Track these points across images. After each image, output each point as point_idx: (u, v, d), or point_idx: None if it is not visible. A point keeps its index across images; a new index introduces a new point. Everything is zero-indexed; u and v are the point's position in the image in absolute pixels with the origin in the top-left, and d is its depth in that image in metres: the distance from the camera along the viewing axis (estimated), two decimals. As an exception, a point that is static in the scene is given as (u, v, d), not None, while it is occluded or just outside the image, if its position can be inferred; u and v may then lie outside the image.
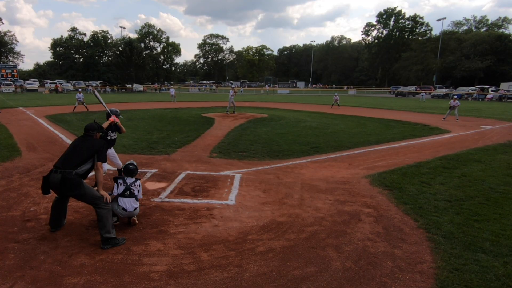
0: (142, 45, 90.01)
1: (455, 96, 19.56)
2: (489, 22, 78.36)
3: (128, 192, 4.41)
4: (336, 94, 28.47)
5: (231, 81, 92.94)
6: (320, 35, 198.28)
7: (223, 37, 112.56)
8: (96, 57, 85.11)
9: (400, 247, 3.93)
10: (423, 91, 48.07)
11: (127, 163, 4.73)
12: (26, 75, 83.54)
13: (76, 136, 11.47)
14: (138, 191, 4.53)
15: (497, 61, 63.61)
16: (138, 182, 4.56)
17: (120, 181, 4.45)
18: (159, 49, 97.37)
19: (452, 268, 3.44)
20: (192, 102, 32.62)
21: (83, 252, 3.74)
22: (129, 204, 4.36)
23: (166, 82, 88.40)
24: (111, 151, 6.02)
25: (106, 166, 5.33)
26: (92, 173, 4.30)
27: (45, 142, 10.52)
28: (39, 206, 5.07)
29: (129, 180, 4.52)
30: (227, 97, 21.07)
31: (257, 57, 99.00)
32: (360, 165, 7.87)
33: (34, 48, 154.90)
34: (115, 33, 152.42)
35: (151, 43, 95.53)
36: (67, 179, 3.79)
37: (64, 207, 4.34)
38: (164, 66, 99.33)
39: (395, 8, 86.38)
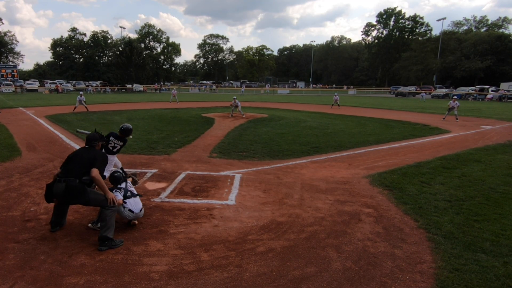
0: (142, 45, 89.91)
1: (455, 97, 19.51)
2: (489, 22, 78.30)
3: (129, 192, 4.46)
4: (336, 94, 28.46)
5: (231, 81, 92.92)
6: (320, 35, 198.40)
7: (223, 37, 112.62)
8: (96, 57, 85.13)
9: (400, 247, 3.93)
10: (423, 91, 48.13)
11: (112, 171, 4.76)
12: (26, 75, 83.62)
13: (75, 136, 11.49)
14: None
15: (497, 61, 63.53)
16: (126, 183, 4.58)
17: (116, 191, 4.40)
18: (159, 49, 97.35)
19: (452, 268, 3.44)
20: (192, 102, 32.63)
21: (83, 252, 3.74)
22: (134, 204, 4.37)
23: (166, 82, 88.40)
24: (112, 157, 5.94)
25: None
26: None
27: (45, 142, 10.52)
28: (39, 206, 5.07)
29: (122, 186, 4.52)
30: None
31: (257, 57, 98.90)
32: (360, 165, 7.87)
33: (34, 48, 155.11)
34: (115, 33, 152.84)
35: (151, 43, 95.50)
36: (71, 187, 3.86)
37: (66, 208, 4.37)
38: (164, 66, 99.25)
39: (395, 8, 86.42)
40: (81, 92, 23.10)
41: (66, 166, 4.07)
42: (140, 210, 4.44)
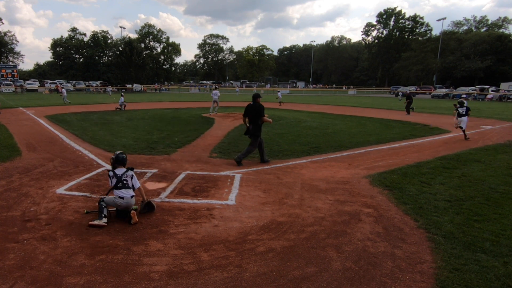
0: (142, 45, 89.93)
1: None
2: (489, 22, 78.43)
3: (121, 184, 4.56)
4: (279, 91, 28.52)
5: (231, 81, 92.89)
6: (320, 35, 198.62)
7: (223, 37, 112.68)
8: (96, 57, 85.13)
9: (400, 247, 3.93)
10: (400, 91, 47.99)
11: (117, 152, 4.82)
12: (26, 75, 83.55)
13: (75, 136, 11.51)
14: (131, 179, 4.67)
15: (497, 61, 63.54)
16: (129, 172, 4.68)
17: (111, 174, 4.62)
18: (159, 49, 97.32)
19: (452, 268, 3.43)
20: (192, 102, 32.62)
21: (83, 252, 3.73)
22: (125, 192, 4.54)
23: (166, 82, 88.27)
24: None
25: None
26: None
27: (45, 142, 10.52)
28: (39, 206, 5.07)
29: (119, 171, 4.63)
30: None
31: (257, 57, 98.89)
32: (360, 165, 7.87)
33: (34, 48, 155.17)
34: (115, 33, 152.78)
35: (151, 43, 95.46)
36: (257, 127, 7.73)
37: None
38: (164, 66, 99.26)
39: (395, 8, 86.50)
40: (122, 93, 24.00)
41: (250, 117, 7.75)
42: (132, 197, 4.59)
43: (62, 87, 35.72)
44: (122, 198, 4.52)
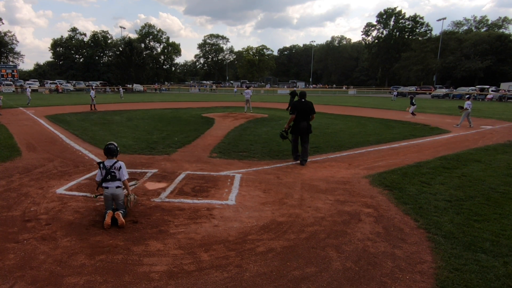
0: (142, 45, 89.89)
1: (467, 96, 16.85)
2: (489, 22, 78.40)
3: (109, 176, 4.57)
4: (245, 90, 28.85)
5: (231, 81, 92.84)
6: (320, 35, 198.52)
7: (223, 37, 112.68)
8: (96, 57, 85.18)
9: (400, 247, 3.93)
10: (394, 90, 48.57)
11: (107, 143, 4.81)
12: (26, 75, 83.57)
13: (75, 136, 11.51)
14: (119, 170, 4.62)
15: (497, 61, 63.49)
16: (118, 164, 4.65)
17: (101, 165, 4.63)
18: (159, 49, 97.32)
19: (452, 268, 3.43)
20: (192, 102, 32.62)
21: (83, 252, 3.73)
22: (111, 183, 4.56)
23: (166, 82, 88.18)
24: None
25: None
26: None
27: (45, 142, 10.52)
28: (39, 206, 5.07)
29: (108, 163, 4.62)
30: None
31: (257, 57, 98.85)
32: (360, 165, 7.87)
33: (34, 48, 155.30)
34: (115, 33, 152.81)
35: (151, 43, 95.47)
36: (309, 124, 7.80)
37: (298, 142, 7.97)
38: (164, 66, 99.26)
39: (395, 8, 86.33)
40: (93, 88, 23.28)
41: (300, 114, 7.67)
42: (117, 188, 4.56)
43: (28, 87, 34.83)
44: (107, 188, 4.53)
